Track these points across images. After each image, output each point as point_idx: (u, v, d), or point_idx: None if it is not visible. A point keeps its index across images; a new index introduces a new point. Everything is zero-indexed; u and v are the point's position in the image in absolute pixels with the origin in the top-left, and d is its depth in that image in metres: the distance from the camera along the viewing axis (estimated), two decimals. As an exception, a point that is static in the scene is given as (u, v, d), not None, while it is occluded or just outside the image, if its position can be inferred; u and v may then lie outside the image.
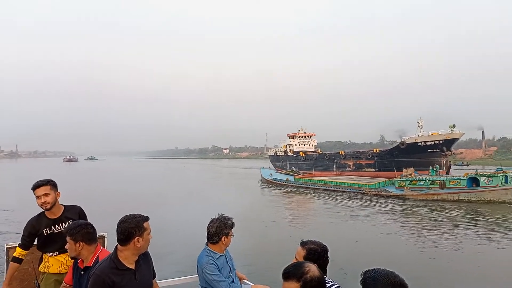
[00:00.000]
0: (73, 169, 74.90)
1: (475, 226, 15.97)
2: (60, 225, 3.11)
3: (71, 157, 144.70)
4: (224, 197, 27.09)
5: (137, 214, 2.34)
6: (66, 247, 2.60)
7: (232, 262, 3.06)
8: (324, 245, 2.35)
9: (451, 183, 23.65)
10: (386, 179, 28.51)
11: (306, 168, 49.40)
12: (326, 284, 1.98)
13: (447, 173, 34.55)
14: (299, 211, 22.03)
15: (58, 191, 3.18)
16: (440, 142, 35.25)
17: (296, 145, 57.99)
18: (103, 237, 3.65)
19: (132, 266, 2.30)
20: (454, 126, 34.98)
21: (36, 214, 3.16)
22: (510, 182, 22.44)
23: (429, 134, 36.67)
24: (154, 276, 2.60)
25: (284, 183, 35.18)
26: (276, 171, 43.15)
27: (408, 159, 35.58)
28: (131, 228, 2.24)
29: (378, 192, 26.36)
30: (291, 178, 36.00)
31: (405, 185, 25.33)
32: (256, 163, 63.16)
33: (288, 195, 28.73)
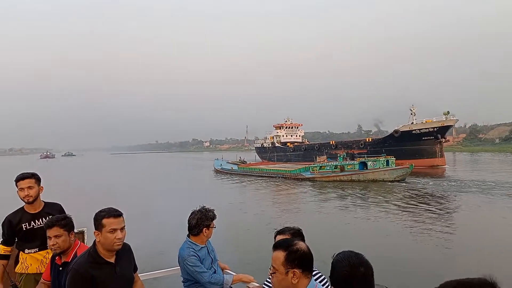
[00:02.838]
0: (50, 166, 78.03)
1: (352, 196, 20.35)
2: (40, 220, 3.02)
3: (48, 153, 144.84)
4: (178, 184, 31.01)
5: (113, 208, 2.30)
6: (55, 241, 2.50)
7: (214, 253, 3.10)
8: (297, 230, 2.43)
9: (348, 167, 28.22)
10: (306, 165, 32.99)
11: (295, 159, 48.95)
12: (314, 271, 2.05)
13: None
14: (234, 193, 25.47)
15: (41, 185, 3.12)
16: (435, 129, 34.38)
17: (283, 136, 56.53)
18: (82, 233, 3.55)
19: (112, 260, 2.26)
20: (448, 113, 34.21)
21: (14, 210, 3.10)
22: (391, 165, 27.12)
23: (423, 122, 35.91)
24: (135, 269, 2.57)
25: (229, 172, 39.67)
26: (227, 161, 47.20)
27: (402, 148, 34.88)
28: None
29: (296, 176, 30.83)
30: (235, 167, 40.56)
31: (316, 170, 29.81)
32: (236, 155, 65.86)
33: (229, 180, 33.23)
